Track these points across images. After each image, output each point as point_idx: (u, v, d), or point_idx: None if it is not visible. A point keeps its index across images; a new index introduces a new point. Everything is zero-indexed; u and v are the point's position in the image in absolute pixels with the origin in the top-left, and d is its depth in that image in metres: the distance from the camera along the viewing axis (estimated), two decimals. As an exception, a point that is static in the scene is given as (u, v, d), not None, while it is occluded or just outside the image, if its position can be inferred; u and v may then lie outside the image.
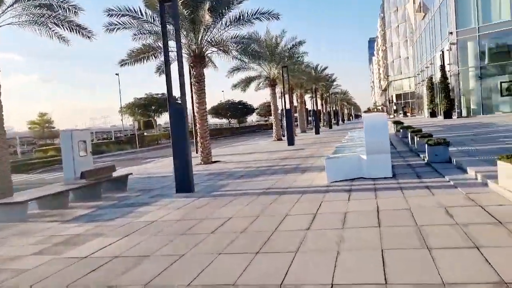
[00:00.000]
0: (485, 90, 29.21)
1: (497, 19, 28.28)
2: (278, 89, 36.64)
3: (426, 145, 10.72)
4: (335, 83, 64.22)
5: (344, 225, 5.49)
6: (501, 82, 29.11)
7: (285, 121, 37.74)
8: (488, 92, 29.20)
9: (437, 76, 36.10)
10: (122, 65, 17.62)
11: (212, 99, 74.69)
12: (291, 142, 24.68)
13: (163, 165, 18.40)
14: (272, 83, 31.50)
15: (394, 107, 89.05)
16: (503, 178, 6.20)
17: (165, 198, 9.19)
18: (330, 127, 51.45)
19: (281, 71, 31.41)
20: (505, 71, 28.97)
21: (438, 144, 10.33)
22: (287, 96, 28.19)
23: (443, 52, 33.48)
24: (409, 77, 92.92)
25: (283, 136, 34.84)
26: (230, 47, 17.95)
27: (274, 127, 32.23)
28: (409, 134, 15.33)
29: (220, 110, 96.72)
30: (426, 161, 10.78)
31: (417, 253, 4.19)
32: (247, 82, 32.85)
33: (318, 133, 38.25)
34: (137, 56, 17.39)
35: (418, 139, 12.86)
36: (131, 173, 12.43)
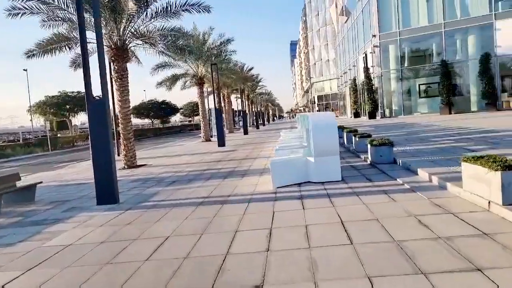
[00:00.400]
0: (406, 92, 30.60)
1: (416, 24, 29.73)
2: (206, 88, 35.49)
3: (369, 145, 10.31)
4: (260, 83, 64.36)
5: (310, 243, 4.59)
6: (419, 85, 30.70)
7: (214, 121, 36.60)
8: (408, 93, 30.60)
9: (361, 77, 37.25)
10: (29, 56, 15.34)
11: (133, 99, 71.11)
12: (222, 143, 23.69)
13: (80, 170, 16.40)
14: (200, 82, 30.21)
15: (317, 108, 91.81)
16: (471, 181, 5.73)
17: (83, 211, 7.69)
18: (257, 127, 51.25)
19: (209, 69, 30.31)
20: (423, 74, 30.54)
21: (383, 145, 9.95)
22: (216, 95, 27.08)
23: (366, 54, 34.55)
24: (330, 79, 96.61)
25: (212, 136, 33.75)
26: (156, 40, 16.44)
27: (202, 127, 30.98)
28: (345, 134, 15.07)
29: (142, 110, 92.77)
30: (369, 162, 10.38)
31: (414, 282, 3.40)
32: (173, 80, 31.25)
33: (247, 134, 37.70)
34: (48, 47, 15.24)
35: (357, 139, 12.52)
36: (41, 182, 10.57)
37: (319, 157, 8.29)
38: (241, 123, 52.38)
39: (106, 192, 8.10)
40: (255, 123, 54.98)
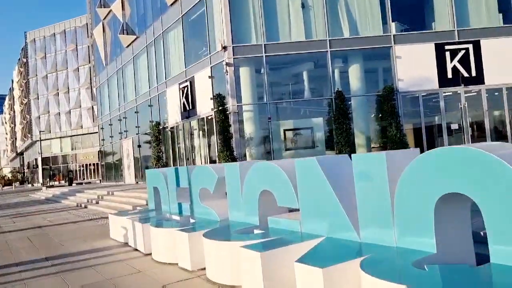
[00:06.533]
0: (270, 138, 18.91)
1: (287, 38, 19.44)
2: None
3: None
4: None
5: None
6: (284, 130, 20.10)
7: None
8: (274, 140, 19.20)
9: (171, 120, 23.96)
10: None
11: None
12: None
13: None
14: None
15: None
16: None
17: None
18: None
19: None
20: (295, 113, 19.97)
21: None
22: None
23: (191, 82, 21.94)
24: (61, 137, 77.22)
25: None
26: None
27: None
28: None
29: None
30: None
31: None
32: None
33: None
34: None
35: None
36: None
37: None
38: None
39: None
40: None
